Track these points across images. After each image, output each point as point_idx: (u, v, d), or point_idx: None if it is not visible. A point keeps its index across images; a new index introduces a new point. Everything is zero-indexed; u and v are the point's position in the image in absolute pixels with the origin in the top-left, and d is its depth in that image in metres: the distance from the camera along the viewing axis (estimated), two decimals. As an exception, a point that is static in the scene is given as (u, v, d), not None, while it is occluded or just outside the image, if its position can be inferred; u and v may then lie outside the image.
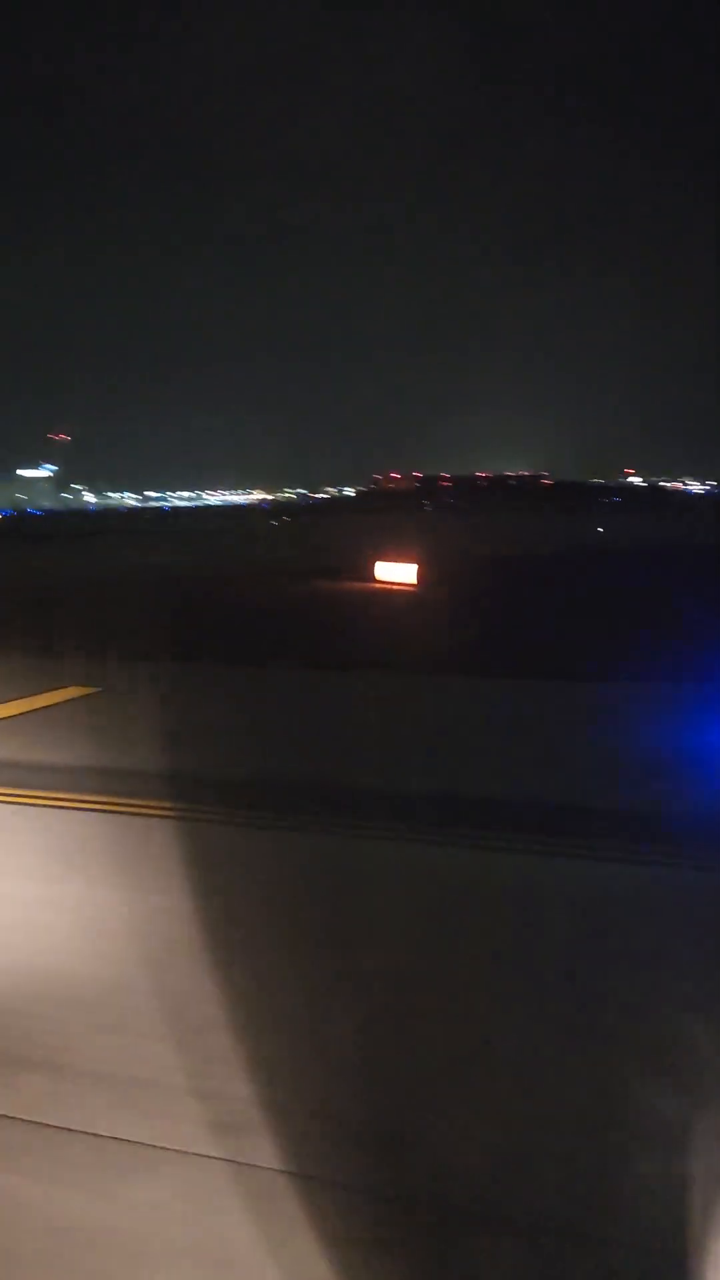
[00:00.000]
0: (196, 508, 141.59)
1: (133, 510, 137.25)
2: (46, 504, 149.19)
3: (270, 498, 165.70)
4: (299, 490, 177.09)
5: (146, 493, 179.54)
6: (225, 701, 10.45)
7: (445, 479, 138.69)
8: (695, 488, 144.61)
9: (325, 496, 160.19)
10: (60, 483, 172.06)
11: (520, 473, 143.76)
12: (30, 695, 10.21)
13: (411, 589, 21.84)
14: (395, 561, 23.78)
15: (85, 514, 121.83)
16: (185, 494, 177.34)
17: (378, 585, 22.82)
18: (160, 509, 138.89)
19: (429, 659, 12.54)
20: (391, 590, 21.83)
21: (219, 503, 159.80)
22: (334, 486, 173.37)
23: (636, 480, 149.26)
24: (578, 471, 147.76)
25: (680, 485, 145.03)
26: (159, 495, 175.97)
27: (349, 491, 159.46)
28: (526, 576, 25.32)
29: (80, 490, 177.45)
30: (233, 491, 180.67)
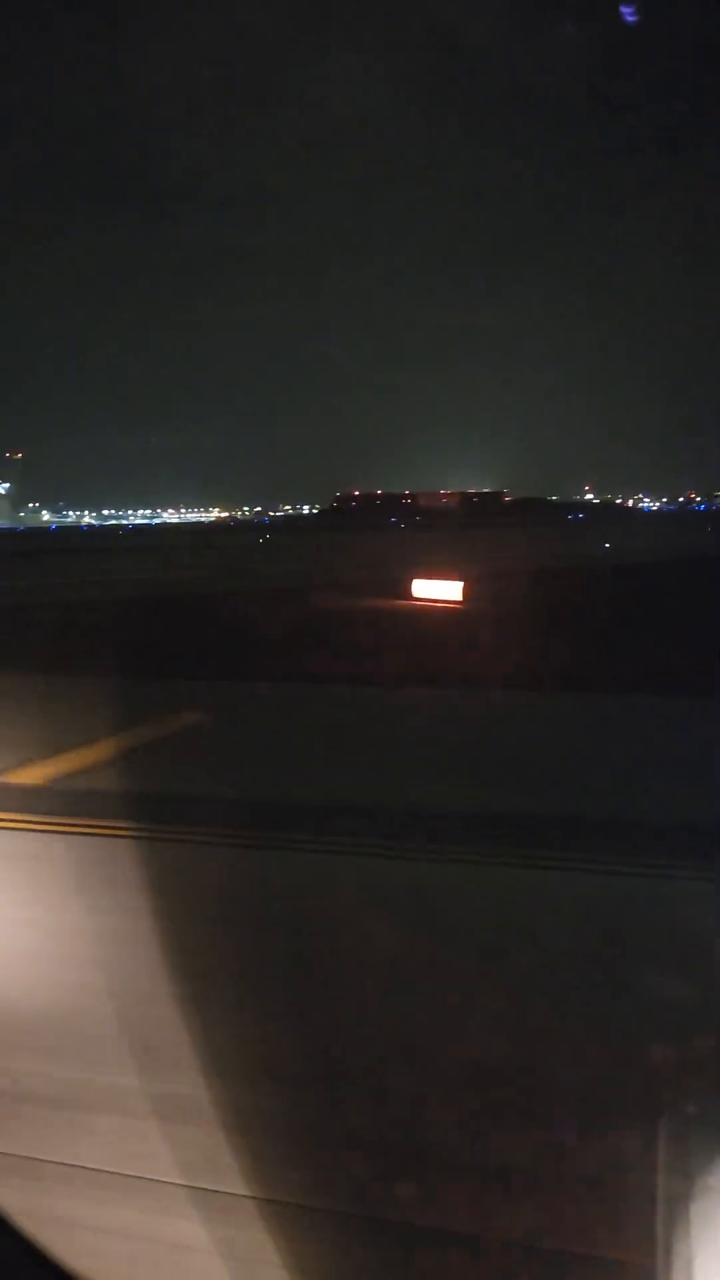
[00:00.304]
0: (159, 525, 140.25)
1: (97, 528, 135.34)
2: (3, 523, 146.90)
3: (230, 515, 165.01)
4: (256, 508, 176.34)
5: (104, 511, 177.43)
6: (386, 726, 9.94)
7: (408, 496, 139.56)
8: (649, 504, 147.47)
9: (283, 514, 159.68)
10: (15, 502, 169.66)
11: (481, 490, 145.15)
12: (141, 724, 9.68)
13: (459, 606, 21.72)
14: (433, 578, 23.61)
15: (49, 532, 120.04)
16: (144, 512, 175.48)
17: (421, 602, 22.42)
18: (124, 526, 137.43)
19: (546, 676, 12.31)
20: (441, 607, 21.54)
21: (179, 521, 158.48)
22: (291, 504, 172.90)
23: (590, 497, 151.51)
24: (536, 488, 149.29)
25: (633, 502, 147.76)
26: (117, 514, 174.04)
27: (306, 509, 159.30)
28: (578, 591, 24.55)
29: (36, 509, 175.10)
30: (190, 510, 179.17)
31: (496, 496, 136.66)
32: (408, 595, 23.17)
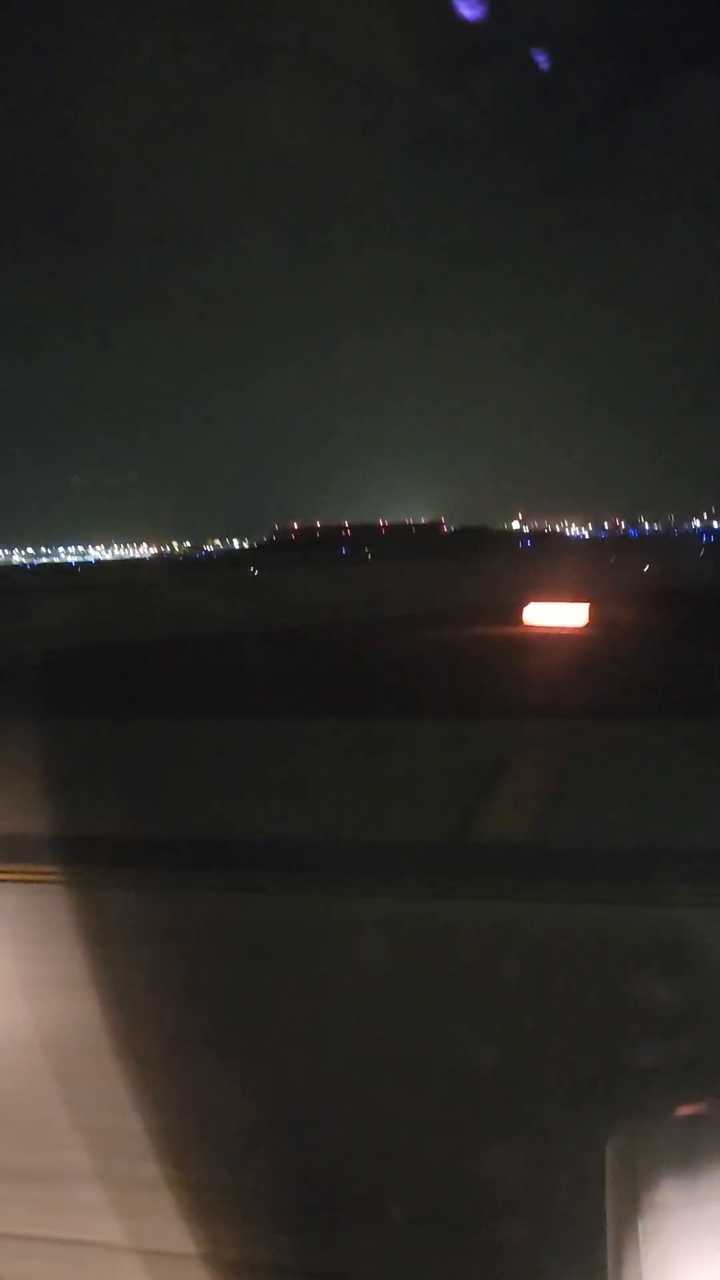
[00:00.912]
0: (105, 563, 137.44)
1: (37, 568, 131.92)
2: None
3: (160, 551, 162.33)
4: (185, 543, 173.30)
5: (28, 550, 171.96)
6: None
7: (347, 528, 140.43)
8: (577, 531, 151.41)
9: (213, 550, 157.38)
10: None
11: (419, 520, 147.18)
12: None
13: (581, 631, 21.62)
14: (549, 602, 23.42)
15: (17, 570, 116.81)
16: (74, 549, 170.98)
17: (543, 629, 21.99)
18: (67, 565, 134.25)
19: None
20: (571, 633, 21.34)
21: (115, 558, 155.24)
22: (220, 539, 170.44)
23: (519, 525, 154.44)
24: (468, 516, 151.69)
25: (561, 529, 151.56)
26: (44, 552, 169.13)
27: (237, 544, 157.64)
28: (685, 613, 24.03)
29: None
30: (118, 546, 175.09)
31: (434, 527, 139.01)
32: (521, 621, 22.82)
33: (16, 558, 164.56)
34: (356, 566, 75.66)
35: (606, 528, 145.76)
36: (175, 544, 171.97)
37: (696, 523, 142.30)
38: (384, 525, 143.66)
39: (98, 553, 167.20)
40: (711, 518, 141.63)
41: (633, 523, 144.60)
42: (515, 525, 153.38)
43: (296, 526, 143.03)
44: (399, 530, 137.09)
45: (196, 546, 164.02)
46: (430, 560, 76.19)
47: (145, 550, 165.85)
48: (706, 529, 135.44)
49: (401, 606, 30.96)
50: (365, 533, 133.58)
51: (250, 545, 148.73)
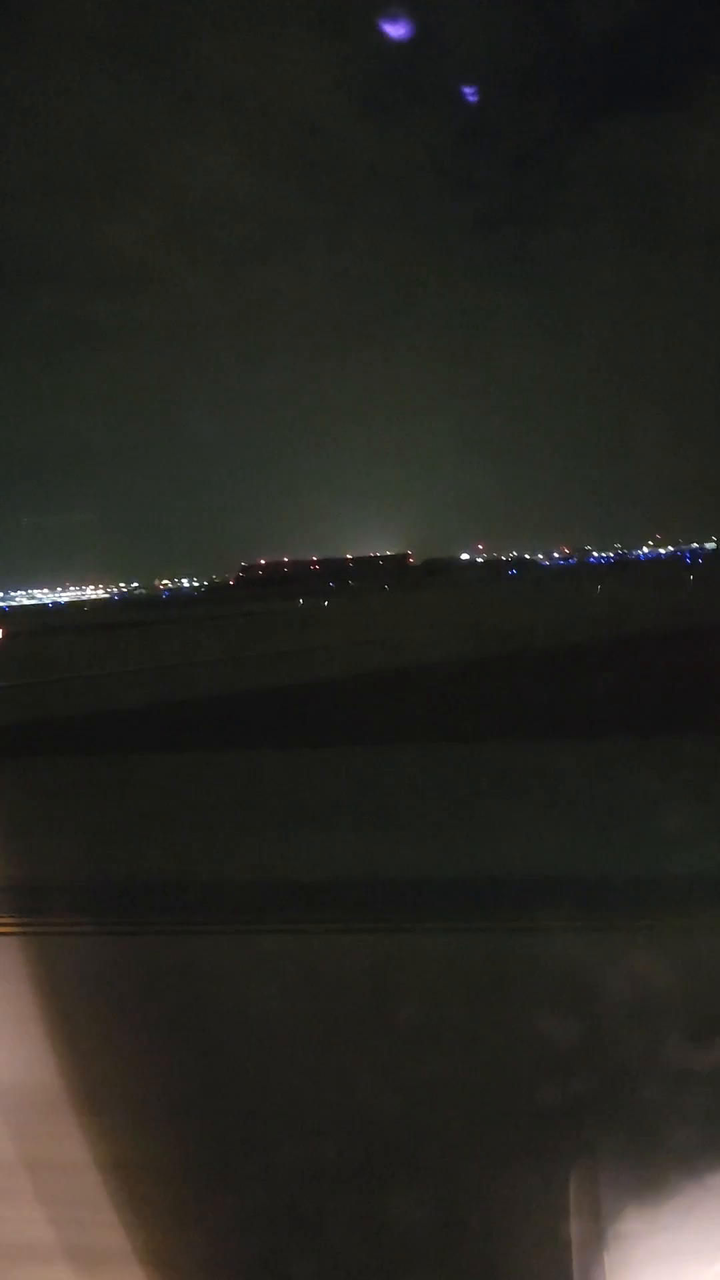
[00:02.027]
0: (70, 605, 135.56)
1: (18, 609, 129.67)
2: None
3: (114, 592, 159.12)
4: (134, 584, 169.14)
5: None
6: None
7: (316, 563, 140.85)
8: (545, 560, 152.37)
9: (170, 589, 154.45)
10: None
11: (385, 553, 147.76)
12: None
13: None
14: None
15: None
16: (30, 591, 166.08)
17: None
18: (45, 606, 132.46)
19: None
20: None
21: (79, 599, 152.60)
22: (170, 579, 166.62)
23: (480, 557, 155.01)
24: (428, 549, 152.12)
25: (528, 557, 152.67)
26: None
27: (187, 583, 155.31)
28: None
29: None
30: (63, 588, 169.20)
31: (402, 559, 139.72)
32: None
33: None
34: (377, 596, 74.06)
35: (557, 556, 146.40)
36: (125, 584, 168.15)
37: (644, 550, 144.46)
38: (351, 558, 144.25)
39: (43, 595, 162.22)
40: (656, 545, 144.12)
41: (582, 551, 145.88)
42: (470, 557, 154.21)
43: (264, 562, 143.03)
44: (366, 563, 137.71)
45: (148, 586, 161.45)
46: (446, 590, 75.01)
47: (94, 591, 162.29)
48: (655, 554, 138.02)
49: (587, 630, 29.76)
50: (332, 566, 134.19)
51: (202, 584, 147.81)
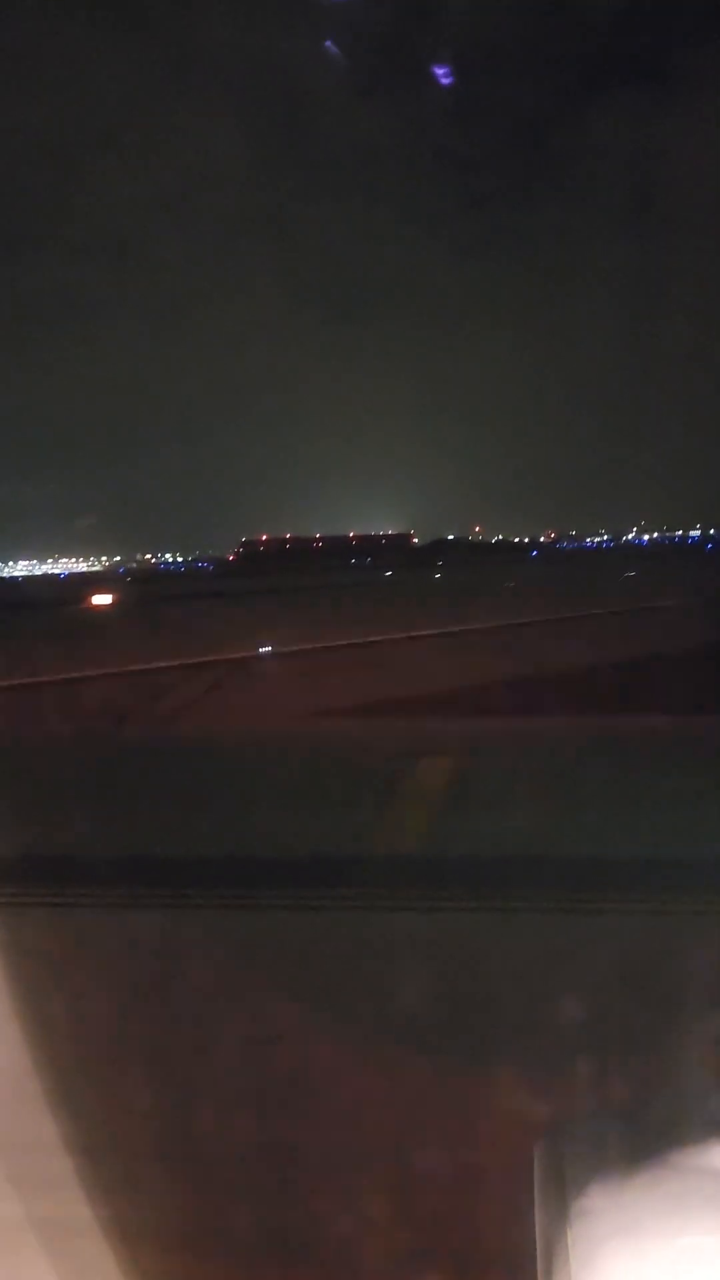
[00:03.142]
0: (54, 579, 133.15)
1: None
2: None
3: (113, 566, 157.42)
4: (115, 558, 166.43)
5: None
6: None
7: (318, 539, 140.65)
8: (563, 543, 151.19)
9: (140, 565, 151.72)
10: None
11: (387, 532, 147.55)
12: None
13: None
14: None
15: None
16: (22, 563, 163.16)
17: None
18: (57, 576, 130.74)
19: None
20: None
21: (68, 572, 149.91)
22: (152, 554, 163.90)
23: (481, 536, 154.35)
24: (431, 529, 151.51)
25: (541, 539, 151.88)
26: None
27: (170, 558, 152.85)
28: None
29: None
30: (41, 561, 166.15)
31: (404, 538, 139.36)
32: None
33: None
34: (425, 573, 69.38)
35: (542, 539, 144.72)
36: (106, 559, 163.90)
37: (631, 534, 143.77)
38: (354, 536, 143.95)
39: (21, 568, 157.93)
40: (641, 531, 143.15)
41: (571, 535, 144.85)
42: (480, 538, 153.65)
43: (265, 538, 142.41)
44: (369, 542, 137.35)
45: (131, 561, 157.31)
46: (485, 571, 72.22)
47: (80, 565, 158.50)
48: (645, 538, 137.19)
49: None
50: (336, 544, 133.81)
51: (186, 559, 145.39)
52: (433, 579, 66.94)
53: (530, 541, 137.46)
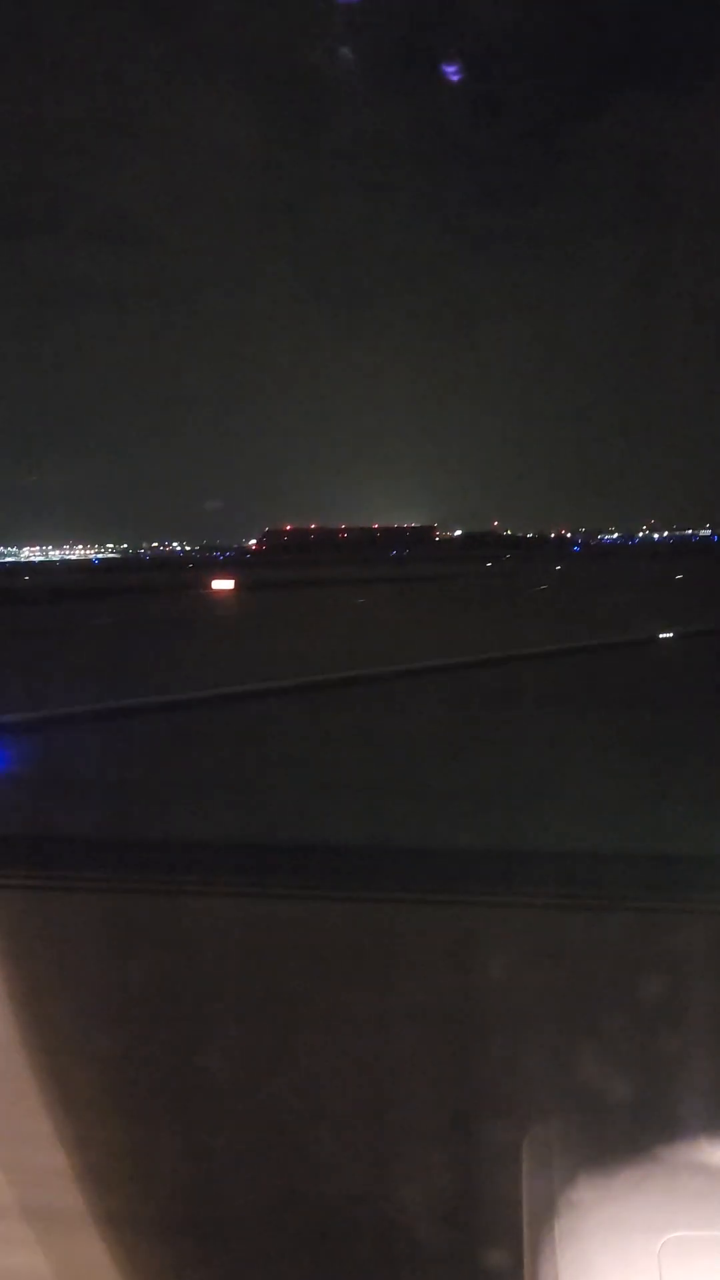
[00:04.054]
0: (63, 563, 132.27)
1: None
2: None
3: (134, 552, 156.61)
4: (123, 546, 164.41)
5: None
6: None
7: (343, 530, 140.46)
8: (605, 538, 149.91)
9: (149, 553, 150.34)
10: None
11: (409, 525, 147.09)
12: None
13: None
14: None
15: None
16: (31, 550, 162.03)
17: None
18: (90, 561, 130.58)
19: None
20: None
21: (82, 558, 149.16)
22: (159, 542, 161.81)
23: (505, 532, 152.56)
24: (460, 523, 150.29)
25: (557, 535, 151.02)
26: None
27: (179, 547, 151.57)
28: None
29: None
30: (48, 547, 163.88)
31: (428, 530, 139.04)
32: None
33: None
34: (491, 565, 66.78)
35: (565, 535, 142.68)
36: (109, 546, 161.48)
37: (643, 532, 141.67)
38: (378, 528, 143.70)
39: (31, 553, 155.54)
40: (652, 529, 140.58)
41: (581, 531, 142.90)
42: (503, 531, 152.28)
43: (289, 528, 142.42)
44: (392, 534, 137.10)
45: (135, 548, 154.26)
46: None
47: (81, 551, 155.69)
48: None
49: None
50: (360, 536, 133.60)
51: (195, 548, 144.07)
52: (532, 573, 63.74)
53: (563, 537, 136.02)
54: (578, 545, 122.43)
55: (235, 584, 52.78)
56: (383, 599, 37.60)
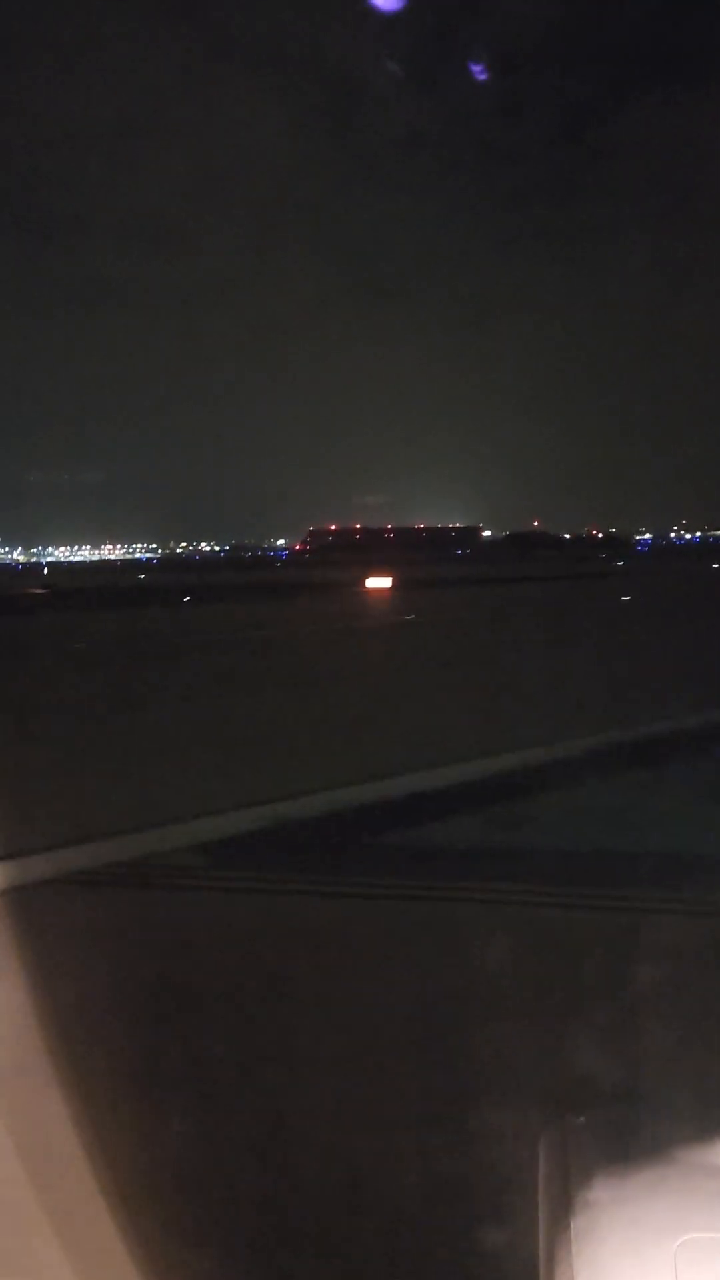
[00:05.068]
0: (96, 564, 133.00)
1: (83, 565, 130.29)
2: None
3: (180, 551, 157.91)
4: (150, 546, 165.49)
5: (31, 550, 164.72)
6: None
7: (389, 530, 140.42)
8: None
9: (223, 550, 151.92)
10: None
11: (455, 524, 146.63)
12: None
13: None
14: None
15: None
16: (59, 550, 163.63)
17: None
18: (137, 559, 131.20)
19: None
20: None
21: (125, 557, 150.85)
22: (188, 542, 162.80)
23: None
24: (503, 523, 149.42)
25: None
26: (37, 552, 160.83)
27: (207, 547, 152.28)
28: None
29: None
30: (79, 547, 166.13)
31: (473, 531, 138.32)
32: None
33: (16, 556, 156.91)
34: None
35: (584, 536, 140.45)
36: (139, 546, 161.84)
37: (674, 533, 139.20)
38: (423, 528, 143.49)
39: (60, 553, 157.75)
40: (684, 529, 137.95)
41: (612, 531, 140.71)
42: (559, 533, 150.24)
43: (334, 528, 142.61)
44: (438, 534, 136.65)
45: (166, 548, 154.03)
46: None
47: (110, 551, 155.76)
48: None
49: None
50: (406, 536, 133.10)
51: (223, 547, 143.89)
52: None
53: (618, 537, 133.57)
54: (644, 544, 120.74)
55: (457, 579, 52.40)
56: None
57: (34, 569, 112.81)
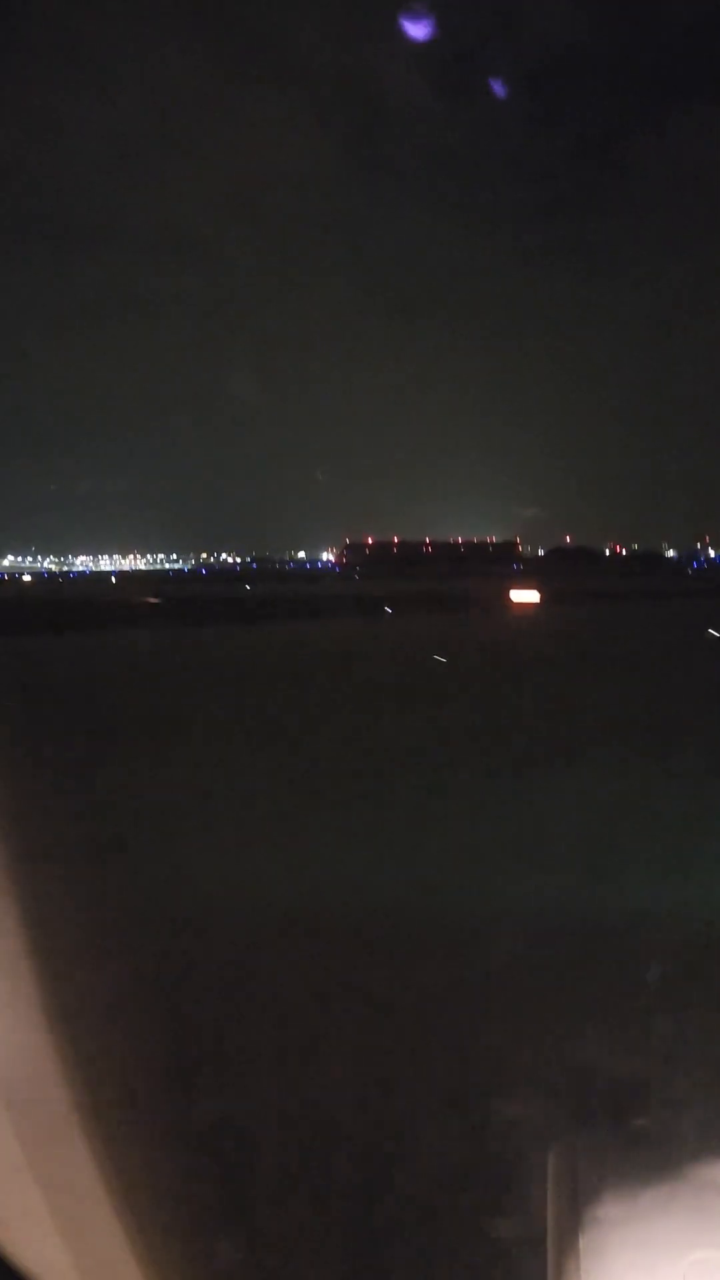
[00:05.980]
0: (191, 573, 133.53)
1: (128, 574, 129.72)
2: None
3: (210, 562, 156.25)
4: (172, 556, 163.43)
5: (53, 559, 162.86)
6: None
7: (428, 545, 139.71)
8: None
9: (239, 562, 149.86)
10: None
11: (491, 538, 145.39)
12: None
13: None
14: None
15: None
16: (84, 559, 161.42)
17: None
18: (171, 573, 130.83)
19: None
20: None
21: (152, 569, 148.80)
22: (211, 554, 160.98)
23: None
24: (530, 538, 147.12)
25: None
26: (61, 561, 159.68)
27: (230, 559, 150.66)
28: None
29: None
30: (108, 558, 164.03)
31: (511, 546, 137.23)
32: None
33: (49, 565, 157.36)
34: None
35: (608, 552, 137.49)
36: (161, 557, 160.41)
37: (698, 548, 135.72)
38: (460, 542, 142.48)
39: (84, 563, 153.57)
40: (706, 546, 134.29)
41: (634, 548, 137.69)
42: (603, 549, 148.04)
43: (371, 541, 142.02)
44: (475, 548, 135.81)
45: (187, 561, 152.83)
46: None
47: (133, 562, 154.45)
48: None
49: None
50: (444, 549, 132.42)
51: (246, 559, 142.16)
52: None
53: (665, 555, 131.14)
54: (699, 561, 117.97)
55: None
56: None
57: (81, 578, 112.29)
